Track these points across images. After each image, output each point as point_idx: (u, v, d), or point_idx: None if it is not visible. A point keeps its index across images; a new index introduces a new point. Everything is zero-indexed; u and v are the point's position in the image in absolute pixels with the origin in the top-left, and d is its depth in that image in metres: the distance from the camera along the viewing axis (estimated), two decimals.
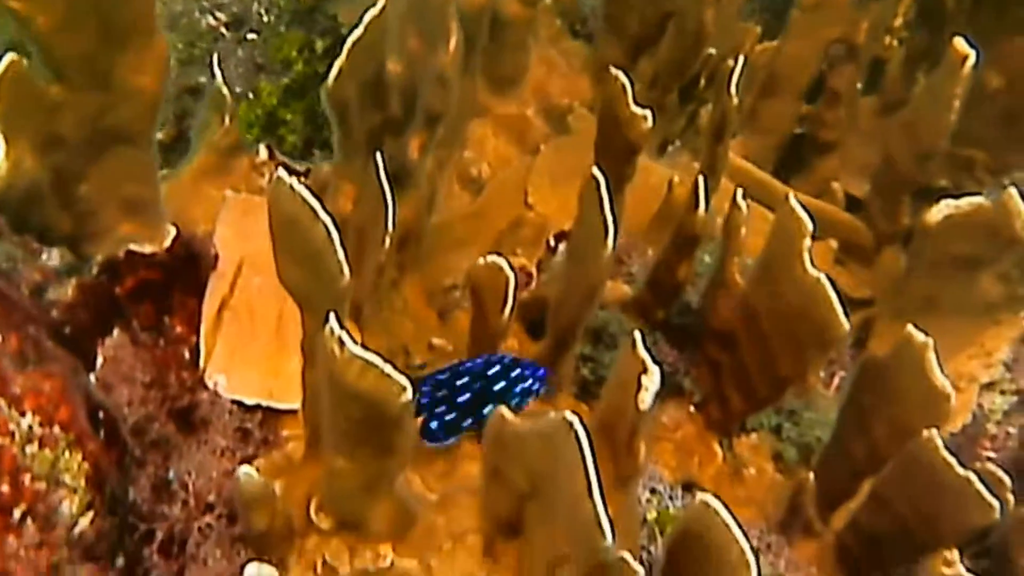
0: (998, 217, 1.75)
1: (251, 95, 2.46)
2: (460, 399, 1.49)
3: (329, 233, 1.18)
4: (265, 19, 2.63)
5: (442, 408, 1.49)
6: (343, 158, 1.54)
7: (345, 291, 1.22)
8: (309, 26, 2.56)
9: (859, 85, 2.25)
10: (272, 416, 1.55)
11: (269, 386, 1.55)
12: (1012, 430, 2.13)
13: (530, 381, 1.51)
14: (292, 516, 1.40)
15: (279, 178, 1.19)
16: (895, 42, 2.51)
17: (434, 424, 1.49)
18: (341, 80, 1.41)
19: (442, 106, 1.60)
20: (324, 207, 1.17)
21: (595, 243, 1.43)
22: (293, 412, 1.55)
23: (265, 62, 2.57)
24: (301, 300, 1.31)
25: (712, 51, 2.17)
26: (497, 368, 1.50)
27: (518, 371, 1.51)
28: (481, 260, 1.49)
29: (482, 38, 1.90)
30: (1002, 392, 2.14)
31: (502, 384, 1.49)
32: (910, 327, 1.51)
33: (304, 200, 1.17)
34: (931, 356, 1.49)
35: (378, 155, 1.41)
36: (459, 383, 1.49)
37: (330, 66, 1.40)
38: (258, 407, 1.54)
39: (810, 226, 1.50)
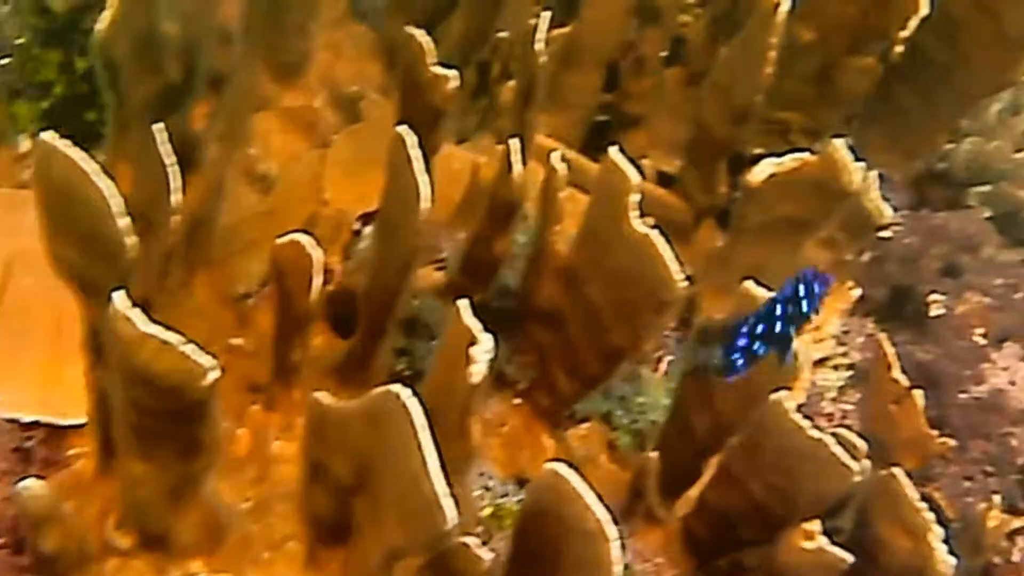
0: (825, 171, 1.70)
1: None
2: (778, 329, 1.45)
3: (108, 197, 1.06)
4: (18, 41, 2.46)
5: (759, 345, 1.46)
6: (117, 131, 1.42)
7: (131, 264, 1.10)
8: (67, 45, 2.40)
9: (663, 54, 2.18)
10: (55, 433, 1.42)
11: (49, 399, 1.42)
12: (849, 407, 2.09)
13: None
14: (86, 539, 1.26)
15: (43, 140, 1.06)
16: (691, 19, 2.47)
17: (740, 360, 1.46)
18: (111, 33, 1.29)
19: (226, 66, 1.48)
20: (103, 167, 1.05)
21: (407, 206, 1.33)
22: (79, 427, 1.42)
23: (23, 87, 2.41)
24: (79, 283, 1.18)
25: (504, 34, 2.09)
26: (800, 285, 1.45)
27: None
28: (282, 239, 1.38)
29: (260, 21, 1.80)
30: (835, 367, 2.10)
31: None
32: (746, 283, 1.44)
33: (75, 161, 1.05)
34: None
35: (157, 125, 1.29)
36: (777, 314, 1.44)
37: None
38: (38, 423, 1.41)
39: (636, 178, 1.42)
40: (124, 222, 1.07)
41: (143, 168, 1.40)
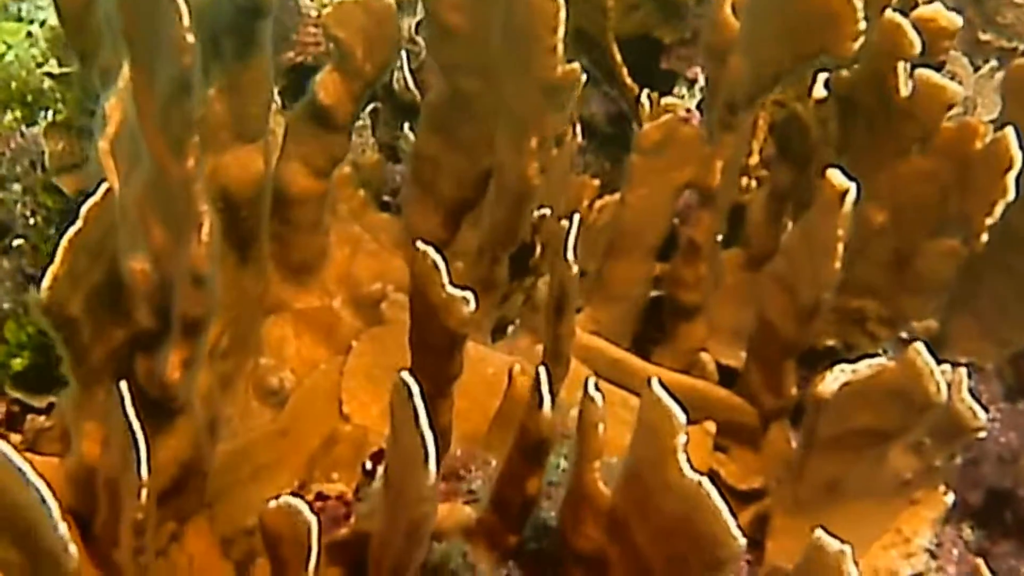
0: (905, 380, 1.57)
1: (21, 311, 2.22)
2: None
3: (44, 501, 0.95)
4: (32, 222, 2.40)
5: None
6: (80, 390, 1.31)
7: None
8: None
9: (719, 236, 2.06)
10: None
11: None
12: None
13: None
14: None
15: None
16: (753, 183, 2.36)
17: None
18: (59, 290, 1.18)
19: (201, 310, 1.37)
20: (34, 468, 0.94)
21: (413, 467, 1.21)
22: None
23: (35, 271, 2.34)
24: None
25: (546, 211, 1.98)
26: None
27: None
28: (272, 503, 1.27)
29: (263, 222, 1.70)
30: None
31: None
32: (820, 533, 1.30)
33: (7, 459, 0.94)
34: (849, 568, 1.29)
35: (122, 385, 1.18)
36: None
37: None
38: None
39: (682, 418, 1.29)
40: (63, 529, 0.96)
41: (112, 428, 1.29)
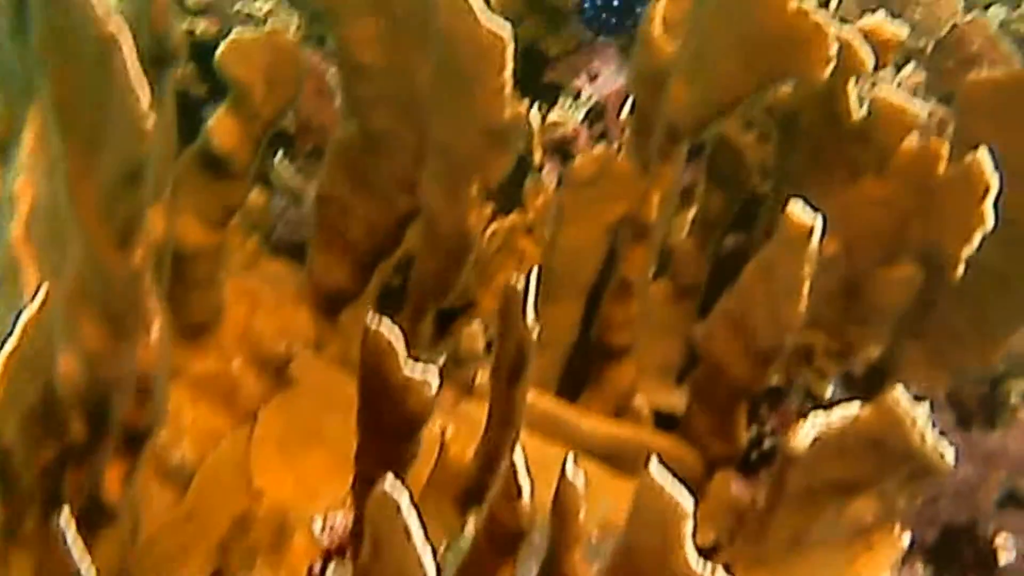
0: (882, 427, 1.49)
1: None
2: None
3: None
4: None
5: None
6: (9, 520, 1.15)
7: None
8: None
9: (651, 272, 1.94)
10: None
11: None
12: None
13: None
14: None
15: None
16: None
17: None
18: None
19: (148, 419, 1.22)
20: None
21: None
22: None
23: None
24: None
25: None
26: None
27: None
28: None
29: (163, 285, 1.55)
30: None
31: None
32: None
33: None
34: None
35: (61, 519, 1.03)
36: None
37: None
38: None
39: (690, 504, 1.18)
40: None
41: (47, 557, 1.14)
